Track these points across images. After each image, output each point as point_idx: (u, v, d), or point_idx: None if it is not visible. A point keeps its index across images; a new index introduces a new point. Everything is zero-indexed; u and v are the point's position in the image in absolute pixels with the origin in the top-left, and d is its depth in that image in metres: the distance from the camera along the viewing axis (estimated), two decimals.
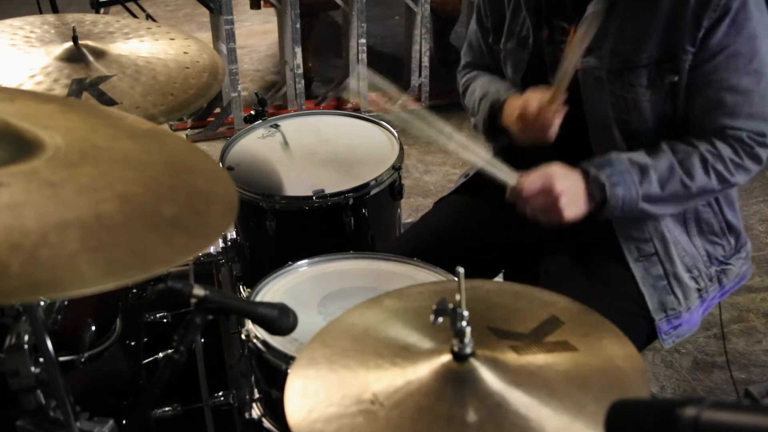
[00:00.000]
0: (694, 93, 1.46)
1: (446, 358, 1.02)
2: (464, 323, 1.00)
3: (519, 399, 0.97)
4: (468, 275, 1.01)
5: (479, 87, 1.77)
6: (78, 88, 1.52)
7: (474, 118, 1.76)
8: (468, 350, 1.01)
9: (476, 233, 1.77)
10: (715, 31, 1.39)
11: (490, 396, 0.97)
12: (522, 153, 1.66)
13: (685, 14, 1.40)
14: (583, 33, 1.46)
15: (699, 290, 1.59)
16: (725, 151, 1.45)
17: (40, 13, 3.63)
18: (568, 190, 1.44)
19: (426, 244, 1.76)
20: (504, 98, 1.65)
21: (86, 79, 1.55)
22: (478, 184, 1.77)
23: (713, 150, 1.46)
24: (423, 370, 1.02)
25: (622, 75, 1.48)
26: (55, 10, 3.41)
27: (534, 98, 1.53)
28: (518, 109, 1.56)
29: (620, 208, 1.46)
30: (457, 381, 1.00)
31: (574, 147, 1.56)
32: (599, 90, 1.51)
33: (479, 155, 1.53)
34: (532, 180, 1.46)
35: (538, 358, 1.04)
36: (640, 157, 1.47)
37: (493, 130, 1.69)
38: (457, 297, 1.00)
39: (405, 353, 1.06)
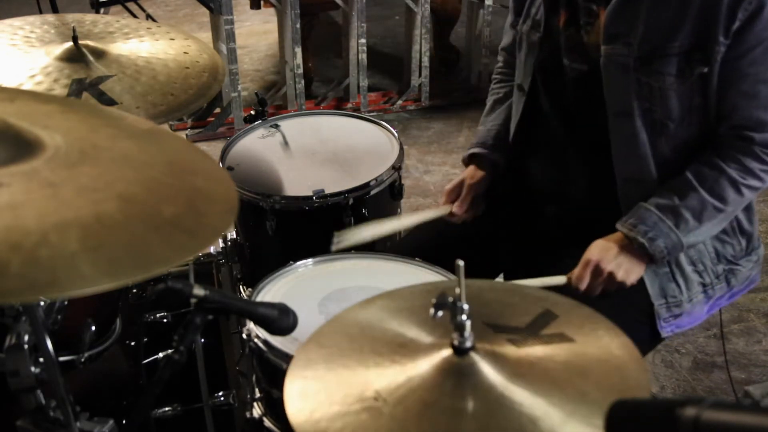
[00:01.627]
0: (729, 86, 1.45)
1: (446, 352, 1.02)
2: (464, 316, 1.00)
3: (522, 390, 0.97)
4: (468, 276, 1.01)
5: (486, 111, 1.88)
6: (78, 88, 1.52)
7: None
8: (468, 344, 1.01)
9: (477, 234, 1.77)
10: (753, 25, 1.39)
11: (493, 388, 0.98)
12: (537, 150, 1.70)
13: (720, 5, 1.39)
14: None
15: (704, 285, 1.59)
16: (753, 164, 1.47)
17: (40, 12, 3.63)
18: (617, 265, 1.50)
19: (427, 244, 1.76)
20: (467, 153, 1.83)
21: (86, 79, 1.55)
22: None
23: (741, 167, 1.47)
24: (423, 365, 1.02)
25: (651, 62, 1.46)
26: (55, 9, 3.41)
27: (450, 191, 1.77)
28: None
29: (667, 254, 1.50)
30: (458, 375, 1.00)
31: (593, 138, 1.56)
32: (624, 77, 1.49)
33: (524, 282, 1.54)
34: (581, 274, 1.51)
35: (536, 350, 1.04)
36: (668, 199, 1.49)
37: None
38: (457, 291, 1.00)
39: (403, 350, 1.06)
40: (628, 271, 1.50)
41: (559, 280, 1.53)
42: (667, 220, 1.48)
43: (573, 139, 1.65)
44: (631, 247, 1.50)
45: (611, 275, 1.49)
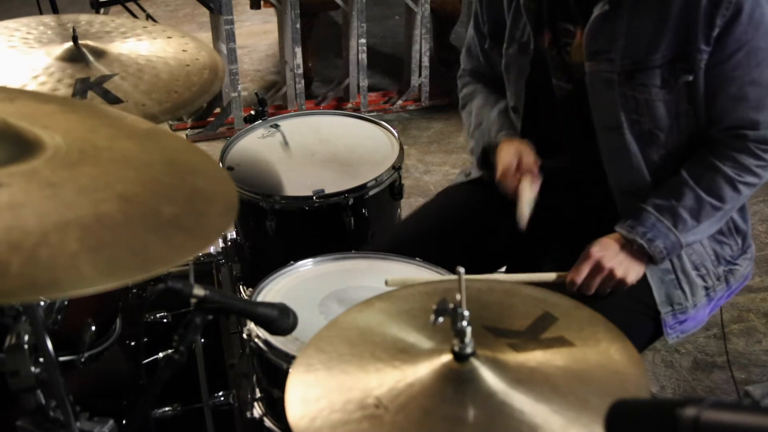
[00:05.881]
0: (716, 91, 1.45)
1: (447, 358, 1.02)
2: (465, 323, 1.00)
3: (523, 397, 0.97)
4: (469, 269, 1.01)
5: (475, 112, 1.79)
6: (83, 87, 1.52)
7: (470, 142, 1.79)
8: (469, 350, 1.01)
9: (477, 226, 1.77)
10: (732, 29, 1.39)
11: (494, 395, 0.97)
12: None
13: (697, 13, 1.39)
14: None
15: (706, 288, 1.60)
16: (748, 160, 1.47)
17: (40, 12, 3.63)
18: (618, 262, 1.50)
19: (426, 235, 1.75)
20: (495, 142, 1.68)
21: (90, 79, 1.55)
22: (479, 179, 1.77)
23: (736, 165, 1.47)
24: (424, 371, 1.02)
25: (634, 76, 1.47)
26: (54, 9, 3.41)
27: (510, 168, 1.59)
28: (500, 168, 1.61)
29: (666, 255, 1.50)
30: (459, 381, 1.00)
31: (584, 152, 1.56)
32: (609, 92, 1.50)
33: (511, 278, 1.54)
34: (580, 270, 1.50)
35: (536, 355, 1.04)
36: (665, 200, 1.49)
37: (485, 166, 1.73)
38: (458, 297, 1.00)
39: (403, 356, 1.06)
40: (627, 269, 1.50)
41: (548, 276, 1.52)
42: (666, 221, 1.49)
43: (564, 155, 1.65)
44: (631, 248, 1.51)
45: (611, 272, 1.49)
